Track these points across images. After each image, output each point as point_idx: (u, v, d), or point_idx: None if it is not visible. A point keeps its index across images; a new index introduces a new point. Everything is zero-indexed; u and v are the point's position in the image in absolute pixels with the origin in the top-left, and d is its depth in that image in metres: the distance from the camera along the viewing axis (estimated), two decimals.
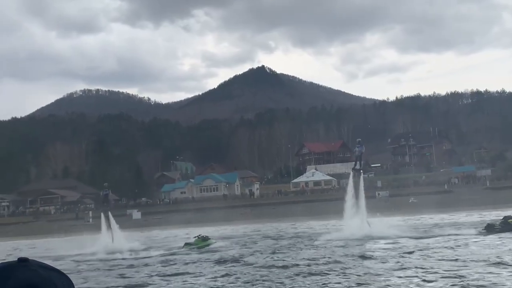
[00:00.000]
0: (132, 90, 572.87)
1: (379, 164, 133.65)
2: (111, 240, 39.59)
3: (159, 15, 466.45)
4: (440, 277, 16.49)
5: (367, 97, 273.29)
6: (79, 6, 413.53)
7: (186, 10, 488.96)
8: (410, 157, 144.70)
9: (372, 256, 23.35)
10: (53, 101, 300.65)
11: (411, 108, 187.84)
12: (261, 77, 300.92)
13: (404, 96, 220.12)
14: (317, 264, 21.61)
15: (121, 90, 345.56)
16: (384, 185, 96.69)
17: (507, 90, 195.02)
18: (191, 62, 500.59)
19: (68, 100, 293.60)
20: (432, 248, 24.86)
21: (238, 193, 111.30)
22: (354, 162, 42.73)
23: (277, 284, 17.47)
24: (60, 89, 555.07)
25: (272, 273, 20.04)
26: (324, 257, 23.78)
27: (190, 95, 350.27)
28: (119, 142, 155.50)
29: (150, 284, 19.58)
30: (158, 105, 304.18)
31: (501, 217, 33.37)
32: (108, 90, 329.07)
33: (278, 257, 25.53)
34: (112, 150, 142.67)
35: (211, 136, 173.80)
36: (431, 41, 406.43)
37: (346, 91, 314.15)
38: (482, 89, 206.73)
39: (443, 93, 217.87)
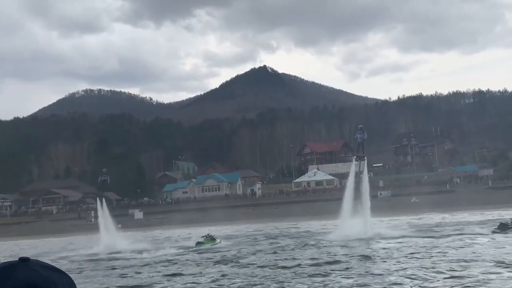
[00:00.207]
0: (134, 90, 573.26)
1: (381, 164, 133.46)
2: (113, 240, 39.55)
3: (161, 15, 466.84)
4: (444, 277, 16.44)
5: (369, 96, 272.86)
6: (81, 6, 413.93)
7: (187, 9, 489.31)
8: (412, 157, 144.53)
9: (375, 256, 23.31)
10: (55, 101, 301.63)
11: (413, 108, 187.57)
12: (263, 76, 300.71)
13: (406, 95, 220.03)
14: (319, 264, 21.58)
15: (123, 90, 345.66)
16: (386, 185, 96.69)
17: (510, 89, 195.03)
18: (193, 62, 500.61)
19: (70, 100, 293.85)
20: (440, 247, 24.77)
21: (240, 193, 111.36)
22: (356, 149, 42.71)
23: (279, 284, 17.44)
24: (62, 89, 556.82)
25: (274, 273, 20.01)
26: (326, 257, 23.76)
27: (192, 95, 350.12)
28: (121, 142, 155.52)
29: (154, 284, 19.56)
30: (160, 105, 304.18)
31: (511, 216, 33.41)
32: (110, 90, 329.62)
33: (280, 257, 25.51)
34: (114, 150, 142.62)
35: (213, 136, 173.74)
36: (434, 41, 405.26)
37: (348, 91, 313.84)
38: (484, 89, 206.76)
39: (445, 92, 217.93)
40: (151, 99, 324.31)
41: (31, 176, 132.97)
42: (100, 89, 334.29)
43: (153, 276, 21.55)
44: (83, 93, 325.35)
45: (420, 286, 15.40)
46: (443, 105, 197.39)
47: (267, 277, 18.93)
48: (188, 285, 18.73)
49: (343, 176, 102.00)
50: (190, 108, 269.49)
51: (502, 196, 68.48)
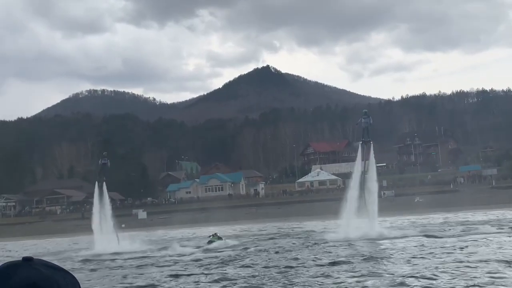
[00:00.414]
0: (138, 90, 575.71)
1: (385, 164, 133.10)
2: (116, 240, 39.40)
3: (164, 15, 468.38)
4: (449, 278, 16.34)
5: (372, 96, 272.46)
6: (84, 7, 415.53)
7: (190, 10, 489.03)
8: (416, 157, 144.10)
9: (380, 256, 23.21)
10: (59, 101, 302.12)
11: (416, 107, 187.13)
12: (266, 76, 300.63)
13: (410, 95, 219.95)
14: (322, 264, 21.50)
15: (126, 90, 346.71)
16: (390, 185, 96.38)
17: None
18: (196, 62, 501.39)
19: (74, 101, 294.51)
20: (446, 247, 24.65)
21: (243, 192, 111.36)
22: (361, 134, 41.12)
23: (283, 284, 17.38)
24: (66, 90, 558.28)
25: (277, 273, 19.95)
26: (330, 257, 23.68)
27: (195, 95, 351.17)
28: (125, 142, 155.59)
29: (158, 284, 19.54)
30: (163, 105, 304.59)
31: None
32: (114, 90, 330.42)
33: (283, 257, 25.45)
34: (118, 150, 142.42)
35: (216, 136, 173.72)
36: (437, 40, 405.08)
37: (351, 91, 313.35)
38: (488, 88, 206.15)
39: (448, 92, 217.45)
40: (154, 99, 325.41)
41: (35, 176, 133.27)
42: (103, 90, 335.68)
43: (155, 277, 21.53)
44: (86, 93, 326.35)
45: (427, 287, 15.30)
46: (447, 104, 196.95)
47: (270, 277, 18.87)
48: (192, 285, 18.69)
49: (347, 176, 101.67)
50: (193, 108, 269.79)
51: (506, 195, 68.18)
